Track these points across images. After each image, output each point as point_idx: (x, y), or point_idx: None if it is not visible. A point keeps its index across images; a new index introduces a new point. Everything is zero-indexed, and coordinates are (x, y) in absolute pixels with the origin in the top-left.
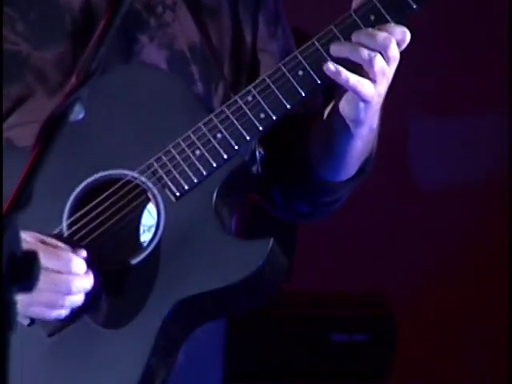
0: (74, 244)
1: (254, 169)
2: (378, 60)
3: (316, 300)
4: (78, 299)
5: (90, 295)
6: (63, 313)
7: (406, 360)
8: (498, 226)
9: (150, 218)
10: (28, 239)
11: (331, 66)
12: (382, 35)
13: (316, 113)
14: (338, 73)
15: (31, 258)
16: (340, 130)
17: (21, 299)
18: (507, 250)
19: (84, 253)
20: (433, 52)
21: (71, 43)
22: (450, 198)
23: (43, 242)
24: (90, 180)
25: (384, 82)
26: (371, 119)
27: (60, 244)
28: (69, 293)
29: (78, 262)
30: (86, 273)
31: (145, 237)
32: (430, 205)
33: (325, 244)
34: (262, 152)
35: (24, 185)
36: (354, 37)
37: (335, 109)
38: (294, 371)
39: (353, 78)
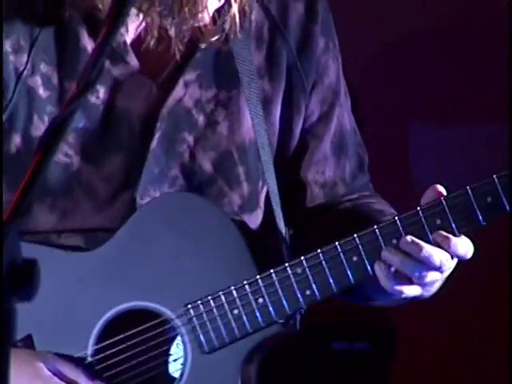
0: (93, 377)
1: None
2: (430, 277)
3: (316, 308)
4: None
5: None
6: None
7: (407, 369)
8: (498, 232)
9: (177, 364)
10: (41, 369)
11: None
12: (440, 257)
13: None
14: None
15: (31, 265)
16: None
17: None
18: (508, 254)
19: None
20: (434, 60)
21: (124, 157)
22: None
23: (58, 374)
24: (122, 307)
25: (436, 286)
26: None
27: (81, 379)
28: None
29: None
30: None
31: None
32: None
33: None
34: (304, 308)
35: (24, 193)
36: (411, 250)
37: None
38: (295, 379)
39: (410, 290)
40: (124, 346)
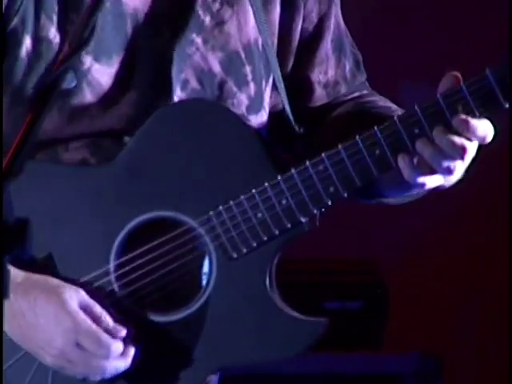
0: (109, 288)
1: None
2: (458, 167)
3: (308, 267)
4: (110, 375)
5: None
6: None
7: (400, 328)
8: (497, 232)
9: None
10: (69, 301)
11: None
12: (463, 143)
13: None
14: (407, 166)
15: (23, 227)
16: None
17: (57, 364)
18: (508, 215)
19: (124, 332)
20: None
21: (130, 56)
22: None
23: (87, 310)
24: (142, 218)
25: (453, 178)
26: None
27: (103, 321)
28: (102, 374)
29: (116, 349)
30: (124, 354)
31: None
32: None
33: None
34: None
35: (16, 153)
36: (437, 138)
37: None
38: None
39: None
40: (147, 258)
